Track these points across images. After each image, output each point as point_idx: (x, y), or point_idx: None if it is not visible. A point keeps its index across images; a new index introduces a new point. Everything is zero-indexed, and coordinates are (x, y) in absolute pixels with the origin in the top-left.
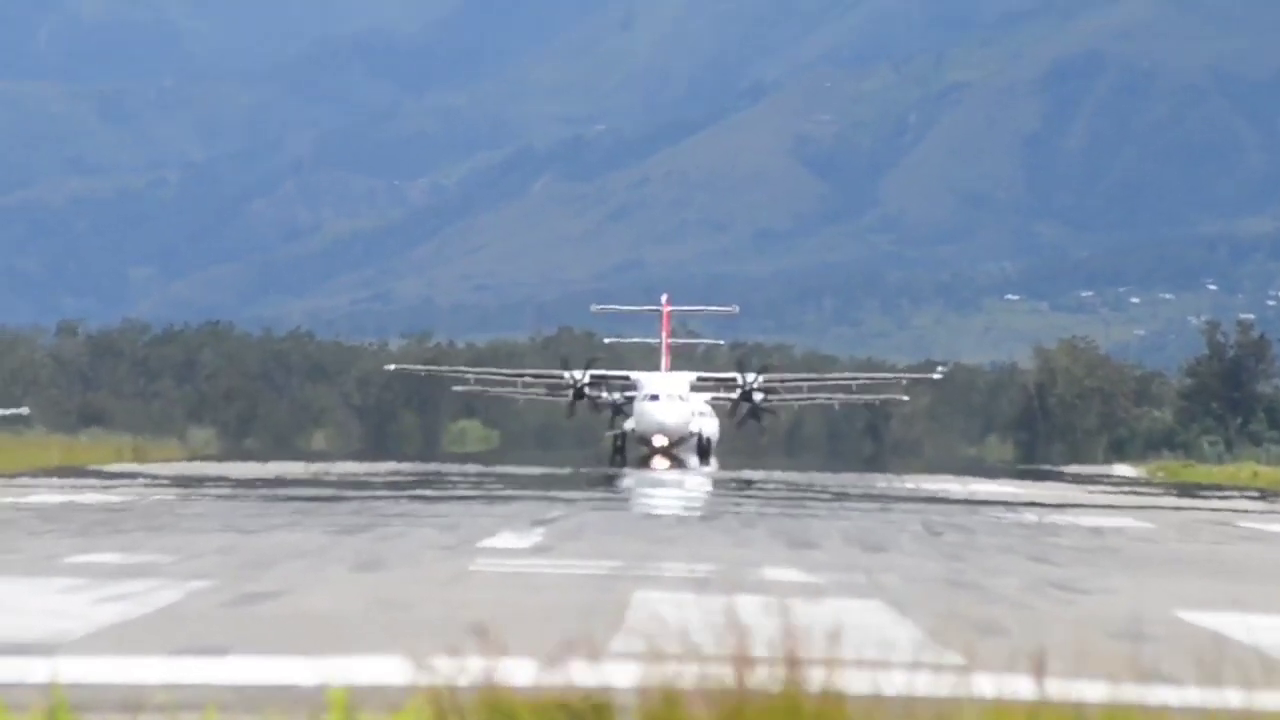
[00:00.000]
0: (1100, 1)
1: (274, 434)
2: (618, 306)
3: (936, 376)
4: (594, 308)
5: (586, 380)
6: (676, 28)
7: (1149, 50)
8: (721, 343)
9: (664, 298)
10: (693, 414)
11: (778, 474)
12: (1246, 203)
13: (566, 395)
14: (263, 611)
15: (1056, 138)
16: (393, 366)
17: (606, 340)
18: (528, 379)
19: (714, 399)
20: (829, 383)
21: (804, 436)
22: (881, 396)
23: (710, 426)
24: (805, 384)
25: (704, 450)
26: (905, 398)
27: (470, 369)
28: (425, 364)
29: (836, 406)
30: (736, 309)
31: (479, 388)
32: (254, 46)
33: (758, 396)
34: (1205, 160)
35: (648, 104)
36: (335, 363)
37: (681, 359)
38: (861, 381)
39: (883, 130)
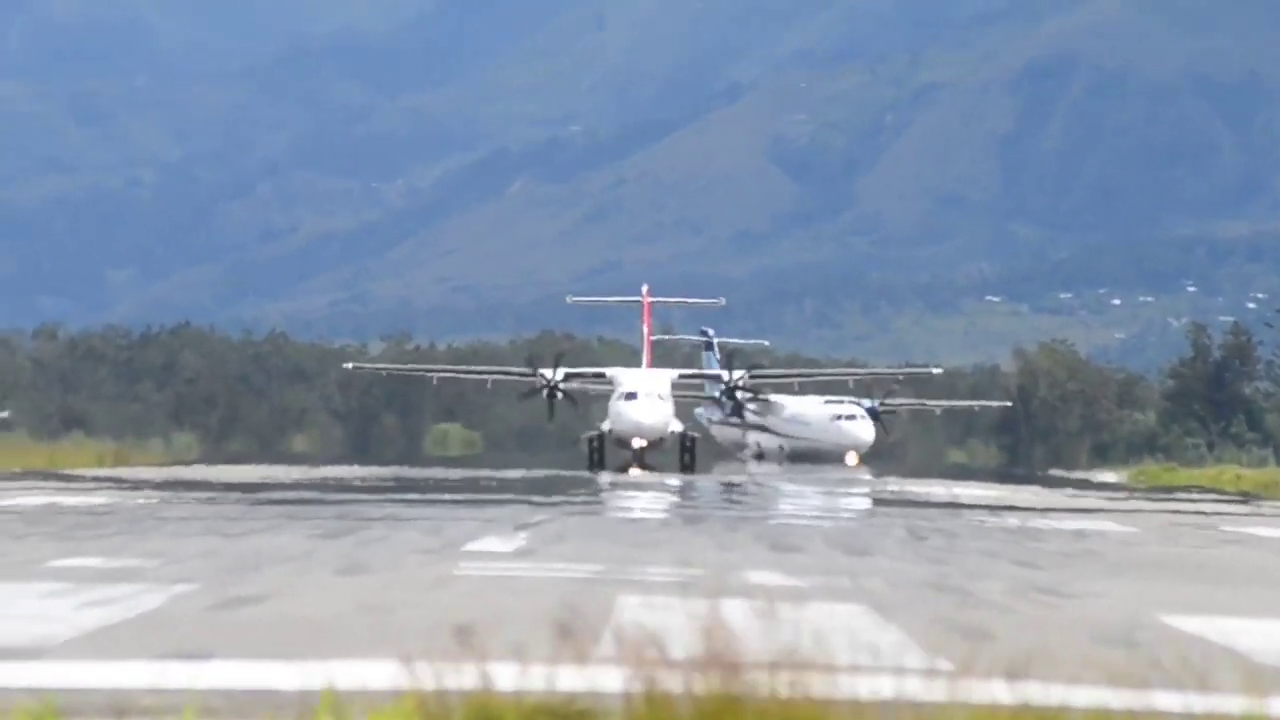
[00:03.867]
0: (1073, 2)
1: (255, 437)
2: (595, 298)
3: (936, 371)
4: (570, 299)
5: (560, 378)
6: (650, 28)
7: (1123, 51)
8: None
9: (644, 288)
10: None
11: (761, 477)
12: (1223, 204)
13: (539, 394)
14: (247, 615)
15: (1031, 138)
16: (350, 365)
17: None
18: (497, 378)
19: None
20: (818, 379)
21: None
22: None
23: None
24: (794, 381)
25: (688, 452)
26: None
27: (433, 367)
28: (405, 366)
29: (937, 411)
30: (722, 300)
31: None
32: (227, 47)
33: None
34: (1180, 161)
35: (622, 105)
36: (315, 365)
37: (664, 360)
38: (857, 378)
39: (858, 130)
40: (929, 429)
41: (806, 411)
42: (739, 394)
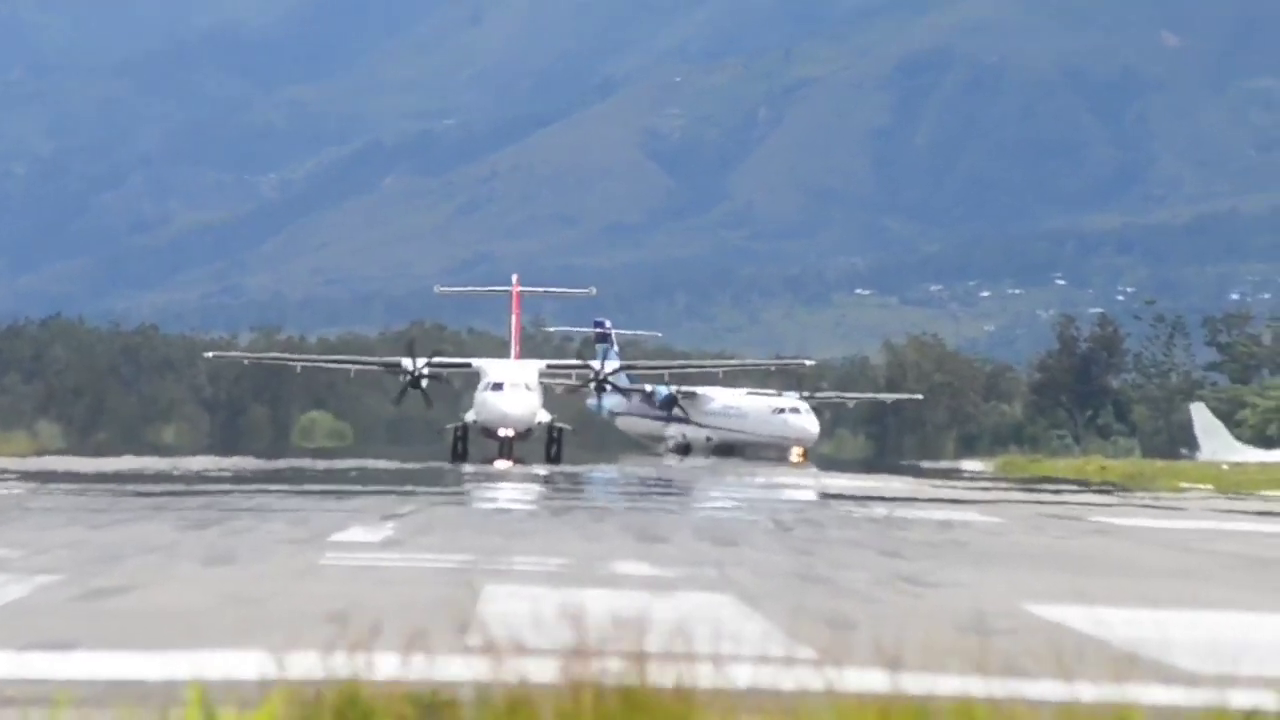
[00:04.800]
0: None
1: (123, 428)
2: (464, 288)
3: (809, 364)
4: (438, 289)
5: (423, 368)
6: (526, 23)
7: (997, 47)
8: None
9: (514, 278)
10: (541, 405)
11: (629, 469)
12: (1094, 198)
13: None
14: (112, 606)
15: (905, 133)
16: (210, 354)
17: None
18: (361, 367)
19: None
20: (692, 371)
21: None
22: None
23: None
24: (666, 372)
25: (555, 443)
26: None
27: (294, 356)
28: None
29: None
30: (593, 290)
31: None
32: (103, 41)
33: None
34: (1053, 156)
35: (497, 99)
36: (184, 357)
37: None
38: (730, 368)
39: (732, 125)
40: None
41: (740, 404)
42: (670, 387)
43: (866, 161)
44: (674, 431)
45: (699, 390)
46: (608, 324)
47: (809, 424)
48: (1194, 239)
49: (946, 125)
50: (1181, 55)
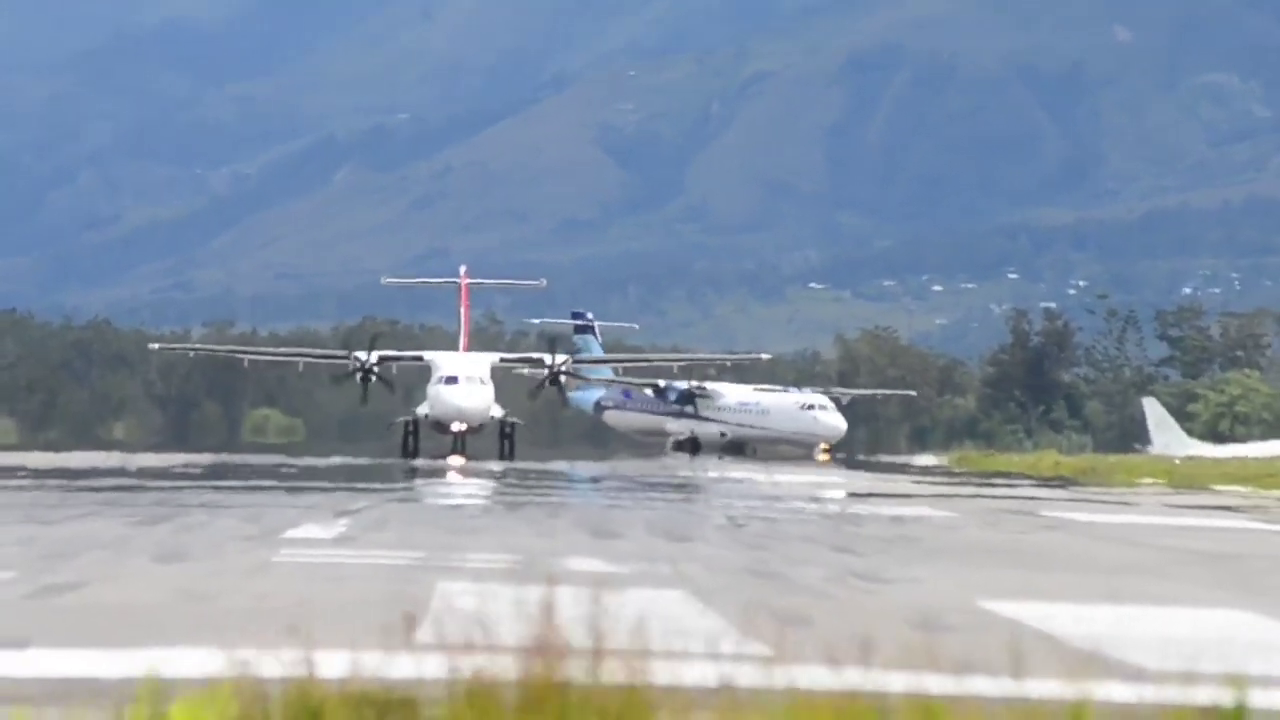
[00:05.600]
0: None
1: (75, 424)
2: (411, 279)
3: (764, 358)
4: (384, 280)
5: (374, 362)
6: (478, 18)
7: (947, 42)
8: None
9: (462, 269)
10: (494, 398)
11: (581, 465)
12: (1046, 193)
13: (353, 378)
14: (64, 603)
15: (857, 128)
16: (155, 346)
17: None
18: (309, 360)
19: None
20: (643, 365)
21: (608, 427)
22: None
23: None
24: (619, 366)
25: (508, 438)
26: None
27: (241, 349)
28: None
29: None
30: (543, 282)
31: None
32: (52, 38)
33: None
34: (1004, 151)
35: (449, 94)
36: (136, 352)
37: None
38: (684, 362)
39: (685, 120)
40: None
41: (761, 400)
42: (686, 382)
43: (820, 157)
44: (679, 427)
45: (709, 385)
46: (589, 315)
47: (838, 421)
48: (1146, 234)
49: (899, 121)
50: (1132, 51)
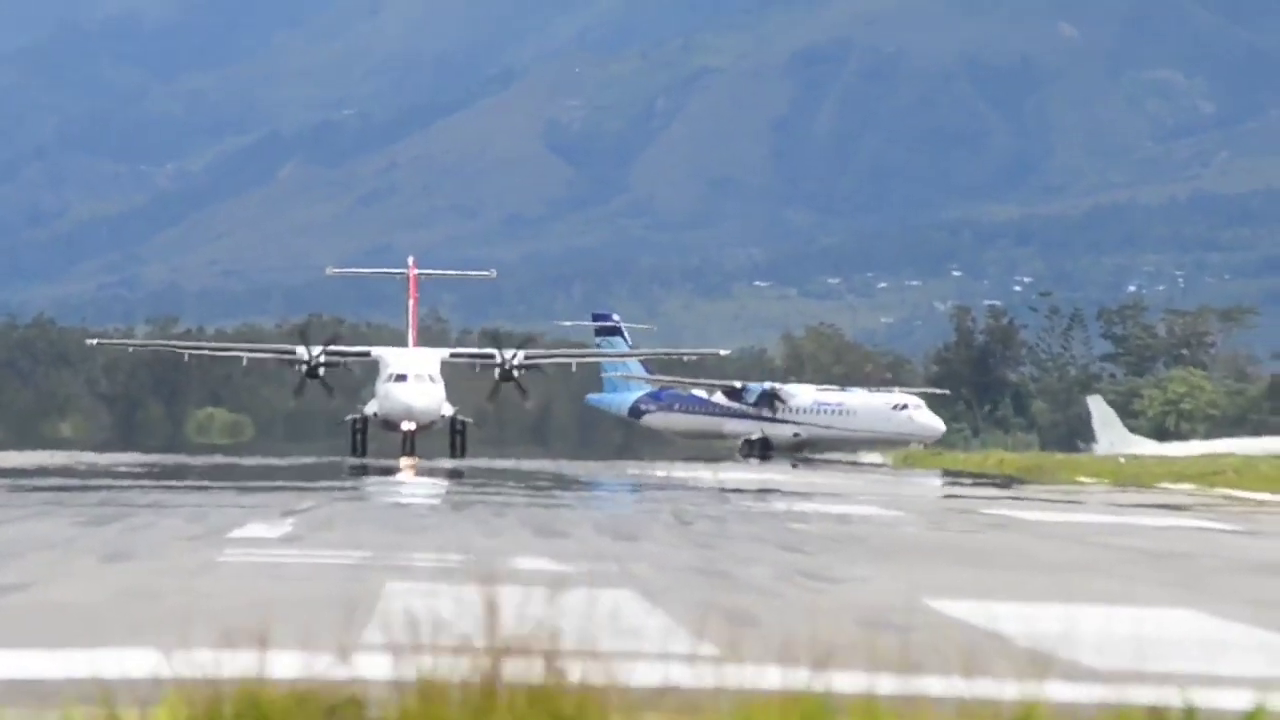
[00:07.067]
0: None
1: (18, 422)
2: (357, 269)
3: (724, 353)
4: (330, 270)
5: (319, 357)
6: (426, 13)
7: (895, 36)
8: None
9: (410, 260)
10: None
11: (528, 463)
12: (991, 189)
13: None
14: (8, 604)
15: (804, 123)
16: (94, 341)
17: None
18: (253, 355)
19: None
20: (591, 361)
21: (555, 425)
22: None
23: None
24: (572, 361)
25: (459, 435)
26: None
27: (183, 344)
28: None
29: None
30: (493, 273)
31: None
32: None
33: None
34: (951, 146)
35: (397, 89)
36: (80, 350)
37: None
38: (641, 358)
39: (632, 115)
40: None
41: (843, 400)
42: (765, 383)
43: (765, 152)
44: (747, 428)
45: (780, 386)
46: (615, 317)
47: (934, 421)
48: (1091, 230)
49: (845, 115)
50: (1079, 46)
